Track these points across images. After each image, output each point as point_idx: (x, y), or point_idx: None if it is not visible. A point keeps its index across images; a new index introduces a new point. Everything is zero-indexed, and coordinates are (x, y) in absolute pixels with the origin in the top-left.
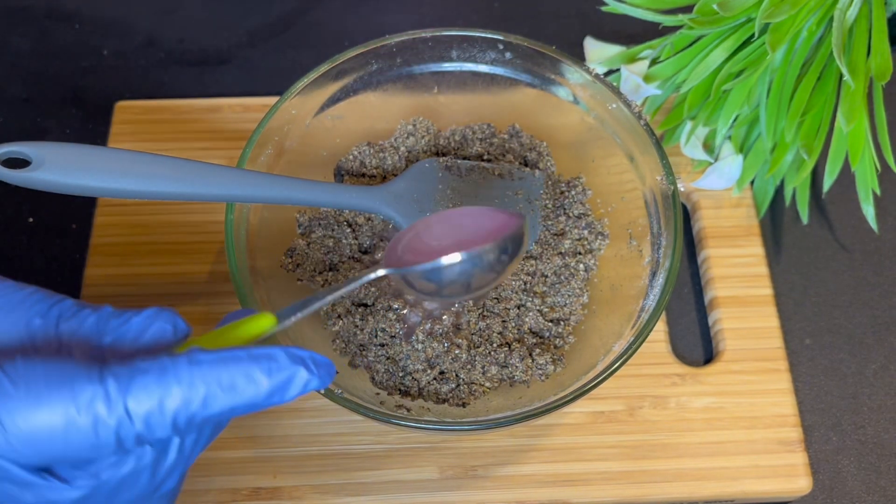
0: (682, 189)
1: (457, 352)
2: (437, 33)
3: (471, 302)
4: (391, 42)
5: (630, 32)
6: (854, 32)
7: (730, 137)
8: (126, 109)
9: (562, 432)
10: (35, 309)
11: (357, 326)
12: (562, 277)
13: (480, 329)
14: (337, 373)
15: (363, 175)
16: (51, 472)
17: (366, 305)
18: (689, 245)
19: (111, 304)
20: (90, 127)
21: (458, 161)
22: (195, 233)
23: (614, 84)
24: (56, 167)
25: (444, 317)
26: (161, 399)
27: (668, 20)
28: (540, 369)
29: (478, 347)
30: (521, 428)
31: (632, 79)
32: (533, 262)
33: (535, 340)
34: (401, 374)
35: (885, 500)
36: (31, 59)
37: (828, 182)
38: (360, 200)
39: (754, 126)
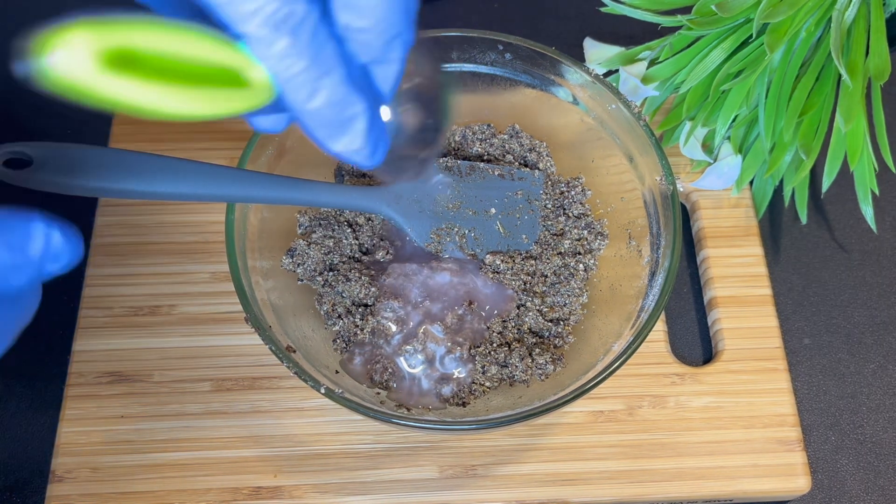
0: (681, 189)
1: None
2: (437, 34)
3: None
4: None
5: (629, 33)
6: (852, 33)
7: (728, 138)
8: None
9: (561, 431)
10: None
11: (357, 326)
12: (561, 277)
13: (481, 329)
14: None
15: (363, 175)
16: None
17: (366, 305)
18: (689, 245)
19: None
20: (91, 127)
21: (458, 162)
22: (195, 233)
23: (613, 85)
24: (57, 167)
25: (446, 316)
26: None
27: (666, 21)
28: (539, 369)
29: (478, 347)
30: (521, 427)
31: (631, 79)
32: (532, 261)
33: (534, 340)
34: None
35: (884, 499)
36: None
37: (826, 182)
38: (360, 201)
39: (753, 126)
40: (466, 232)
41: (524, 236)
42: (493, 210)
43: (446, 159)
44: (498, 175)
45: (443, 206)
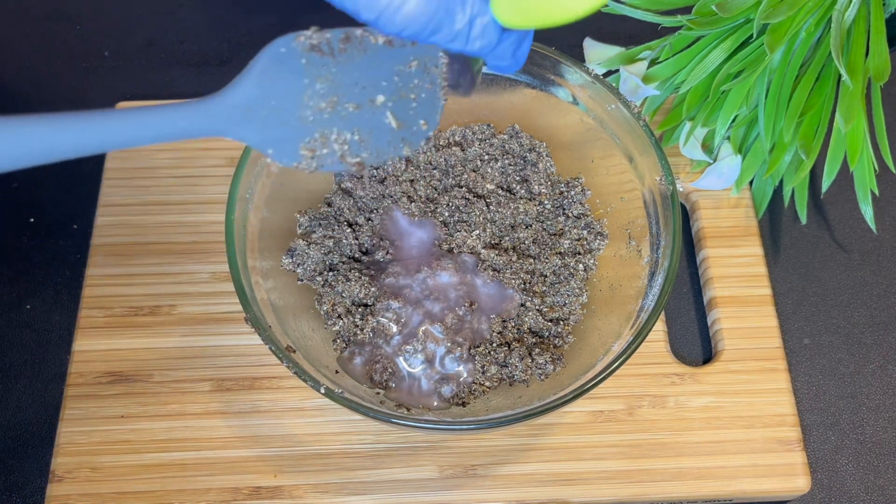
0: (680, 189)
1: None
2: None
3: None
4: None
5: (629, 33)
6: (852, 33)
7: (728, 138)
8: None
9: (561, 431)
10: None
11: (357, 326)
12: (561, 277)
13: (480, 329)
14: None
15: (361, 177)
16: None
17: (366, 305)
18: (688, 245)
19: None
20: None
21: (327, 33)
22: (195, 233)
23: (613, 85)
24: None
25: (446, 316)
26: None
27: (667, 21)
28: (539, 369)
29: (478, 347)
30: (521, 427)
31: (631, 79)
32: (532, 261)
33: (534, 340)
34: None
35: (884, 499)
36: (33, 60)
37: (826, 182)
38: (193, 123)
39: (753, 126)
40: (349, 136)
41: (422, 122)
42: (380, 98)
43: (309, 34)
44: (384, 42)
45: (313, 109)
